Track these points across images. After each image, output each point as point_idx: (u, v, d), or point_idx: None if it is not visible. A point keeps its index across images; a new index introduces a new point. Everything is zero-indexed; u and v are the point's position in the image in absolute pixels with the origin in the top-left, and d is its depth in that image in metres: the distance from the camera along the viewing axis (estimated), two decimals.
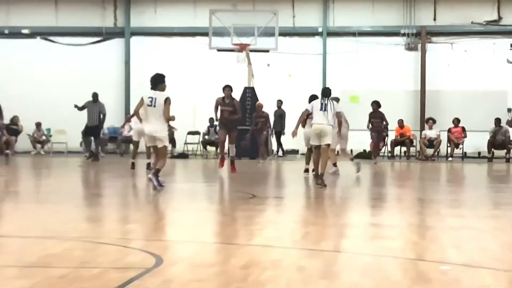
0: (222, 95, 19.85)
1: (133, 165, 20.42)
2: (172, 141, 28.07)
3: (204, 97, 28.67)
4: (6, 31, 30.95)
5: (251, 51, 27.86)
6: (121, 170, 21.71)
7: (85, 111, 25.03)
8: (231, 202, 14.52)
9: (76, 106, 24.86)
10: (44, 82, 27.72)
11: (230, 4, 29.45)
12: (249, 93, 27.29)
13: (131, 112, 22.00)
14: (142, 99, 14.71)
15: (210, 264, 7.69)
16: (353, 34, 30.03)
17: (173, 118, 14.89)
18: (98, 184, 18.82)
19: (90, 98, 24.97)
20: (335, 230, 10.83)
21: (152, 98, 14.39)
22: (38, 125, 29.18)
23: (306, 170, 18.21)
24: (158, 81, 14.62)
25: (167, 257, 7.81)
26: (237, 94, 27.04)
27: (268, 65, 29.08)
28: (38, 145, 29.62)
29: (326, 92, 16.44)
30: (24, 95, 29.20)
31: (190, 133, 29.07)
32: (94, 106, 25.00)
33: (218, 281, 6.79)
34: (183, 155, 28.37)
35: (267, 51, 28.16)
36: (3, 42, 30.98)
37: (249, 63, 27.90)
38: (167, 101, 14.35)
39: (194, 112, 28.74)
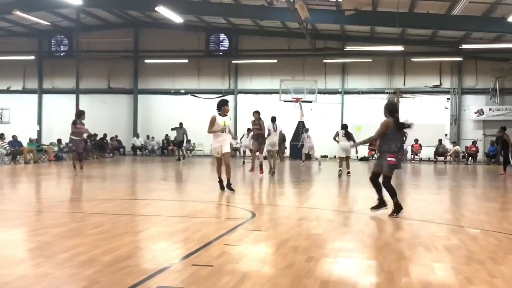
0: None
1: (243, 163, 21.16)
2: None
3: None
4: (172, 91, 31.50)
5: (302, 102, 27.85)
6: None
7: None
8: (290, 183, 14.51)
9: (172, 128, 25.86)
10: (191, 118, 27.92)
11: (291, 76, 29.39)
12: (301, 125, 27.14)
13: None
14: None
15: (280, 217, 7.74)
16: (358, 92, 29.69)
17: (215, 130, 10.40)
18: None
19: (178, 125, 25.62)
20: (349, 200, 10.75)
21: None
22: (189, 141, 29.51)
23: (340, 171, 17.02)
24: (218, 105, 10.77)
25: (257, 213, 7.87)
26: (293, 125, 27.11)
27: (311, 109, 28.92)
28: (188, 152, 30.00)
29: (344, 126, 16.80)
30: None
31: None
32: (180, 129, 25.33)
33: (285, 226, 6.83)
34: (265, 158, 28.28)
35: (311, 101, 28.09)
36: (170, 97, 31.45)
37: (301, 108, 27.86)
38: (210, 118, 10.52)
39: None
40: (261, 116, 15.60)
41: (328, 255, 5.23)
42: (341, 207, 9.39)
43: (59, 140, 26.21)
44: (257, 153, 15.97)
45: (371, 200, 10.44)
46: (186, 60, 30.43)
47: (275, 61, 29.60)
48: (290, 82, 28.38)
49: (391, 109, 7.95)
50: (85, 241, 5.65)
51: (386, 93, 29.25)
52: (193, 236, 6.01)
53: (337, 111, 29.79)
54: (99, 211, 8.16)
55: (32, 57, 31.33)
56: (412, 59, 28.33)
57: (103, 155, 27.79)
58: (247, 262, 4.90)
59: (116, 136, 30.83)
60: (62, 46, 33.10)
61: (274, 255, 5.21)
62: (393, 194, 7.79)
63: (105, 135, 29.56)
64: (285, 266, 4.70)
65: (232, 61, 30.71)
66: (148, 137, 31.06)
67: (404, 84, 29.36)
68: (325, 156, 27.38)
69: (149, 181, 14.59)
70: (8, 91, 32.80)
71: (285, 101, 28.04)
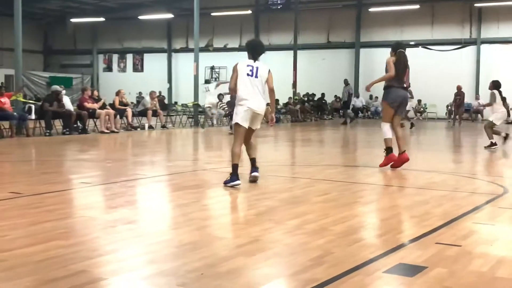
0: None
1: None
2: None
3: None
4: None
5: None
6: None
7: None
8: None
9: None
10: (422, 74, 26.80)
11: None
12: None
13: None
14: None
15: None
16: None
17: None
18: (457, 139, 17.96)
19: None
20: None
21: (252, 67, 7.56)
22: (419, 101, 28.62)
23: None
24: (261, 51, 7.79)
25: (511, 188, 7.43)
26: None
27: None
28: (418, 114, 29.21)
29: None
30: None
31: None
32: (346, 87, 24.44)
33: None
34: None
35: None
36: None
37: None
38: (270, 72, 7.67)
39: None
40: None
41: None
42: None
43: (276, 101, 27.72)
44: None
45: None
46: (417, 6, 29.59)
47: None
48: None
49: None
50: (312, 209, 5.95)
51: None
52: (434, 211, 5.91)
53: None
54: (323, 177, 8.48)
55: (249, 12, 33.41)
56: None
57: (322, 117, 28.68)
58: (503, 245, 4.68)
59: (336, 97, 31.45)
60: None
61: None
62: None
63: (322, 94, 30.39)
64: None
65: (475, 4, 28.98)
66: (371, 97, 31.03)
67: None
68: None
69: (372, 146, 14.65)
70: (225, 48, 35.60)
71: None
